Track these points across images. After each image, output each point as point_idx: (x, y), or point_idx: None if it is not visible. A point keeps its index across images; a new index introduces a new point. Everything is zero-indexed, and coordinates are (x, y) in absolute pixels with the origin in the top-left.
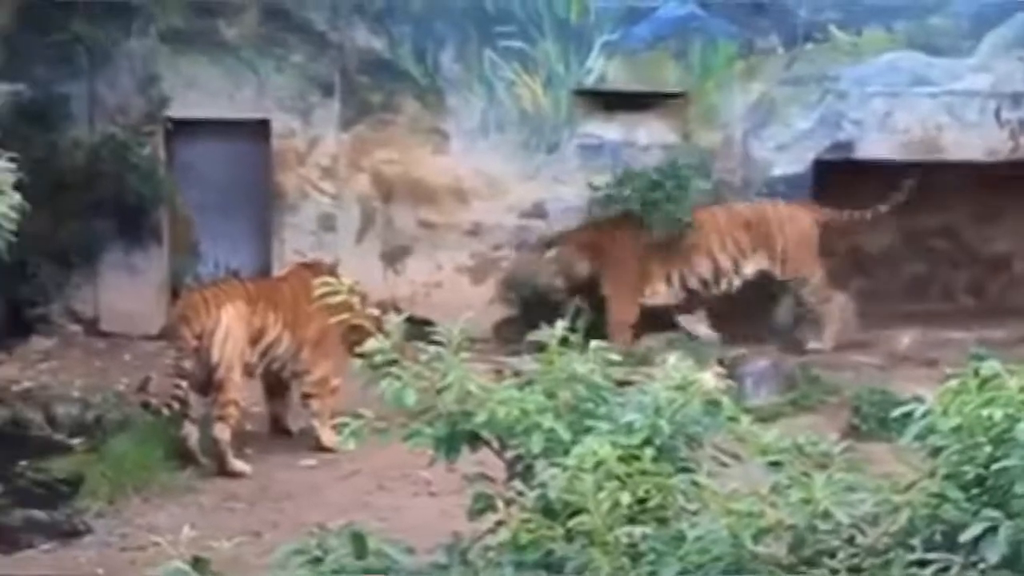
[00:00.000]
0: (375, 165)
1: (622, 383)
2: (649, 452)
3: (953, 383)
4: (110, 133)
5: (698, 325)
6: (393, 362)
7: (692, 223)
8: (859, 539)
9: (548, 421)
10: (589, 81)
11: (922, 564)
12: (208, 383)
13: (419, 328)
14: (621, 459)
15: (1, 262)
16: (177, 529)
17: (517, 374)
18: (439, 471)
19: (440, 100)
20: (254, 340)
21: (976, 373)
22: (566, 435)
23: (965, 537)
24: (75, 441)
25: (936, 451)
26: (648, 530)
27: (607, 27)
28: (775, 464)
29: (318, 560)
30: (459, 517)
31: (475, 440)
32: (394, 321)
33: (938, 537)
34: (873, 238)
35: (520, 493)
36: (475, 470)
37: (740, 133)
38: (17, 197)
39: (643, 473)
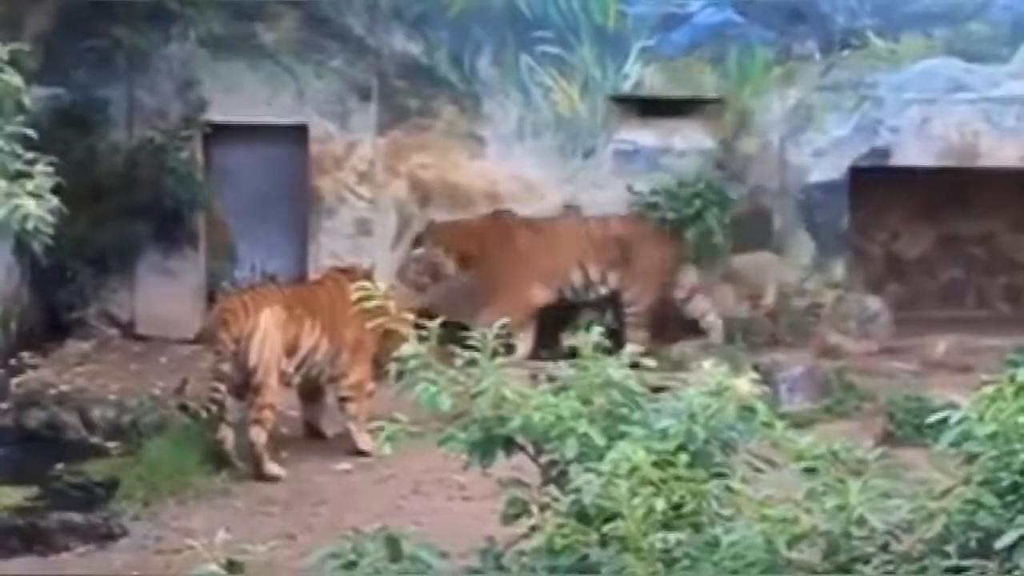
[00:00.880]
0: (412, 170)
1: (657, 389)
2: (683, 458)
3: (989, 389)
4: (148, 137)
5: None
6: (428, 366)
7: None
8: (894, 546)
9: (583, 426)
10: (626, 87)
11: (957, 571)
12: (245, 387)
13: (454, 333)
14: (655, 464)
15: (39, 266)
16: (212, 532)
17: (552, 379)
18: (474, 475)
19: (477, 105)
20: (291, 347)
21: (1012, 380)
22: (601, 440)
23: (1001, 544)
24: (111, 444)
25: (971, 458)
26: (682, 536)
27: (644, 33)
28: (810, 470)
29: (353, 564)
30: (493, 522)
31: (510, 445)
32: (430, 326)
33: (973, 544)
34: (910, 244)
35: (555, 498)
36: (510, 475)
37: (777, 139)
38: (55, 201)
39: (677, 479)
